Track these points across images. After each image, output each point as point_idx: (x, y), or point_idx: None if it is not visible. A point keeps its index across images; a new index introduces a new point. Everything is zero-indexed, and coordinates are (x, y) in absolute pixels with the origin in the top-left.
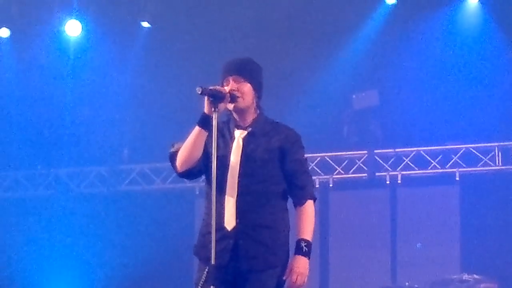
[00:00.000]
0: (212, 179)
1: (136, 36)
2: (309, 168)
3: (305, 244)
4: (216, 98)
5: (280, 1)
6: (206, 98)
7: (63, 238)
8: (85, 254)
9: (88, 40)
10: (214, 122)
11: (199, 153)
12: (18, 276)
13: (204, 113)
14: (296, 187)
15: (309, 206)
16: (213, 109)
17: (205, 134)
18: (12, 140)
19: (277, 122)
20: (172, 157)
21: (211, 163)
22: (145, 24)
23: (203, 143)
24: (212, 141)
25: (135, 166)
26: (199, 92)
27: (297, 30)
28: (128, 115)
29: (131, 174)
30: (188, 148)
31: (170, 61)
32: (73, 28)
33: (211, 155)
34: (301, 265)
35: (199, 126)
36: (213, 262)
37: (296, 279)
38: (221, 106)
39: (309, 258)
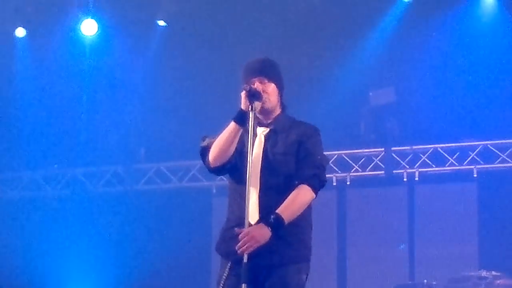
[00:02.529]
0: (247, 175)
1: (152, 35)
2: (326, 164)
3: (274, 217)
4: (255, 97)
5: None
6: (244, 95)
7: (80, 237)
8: (102, 253)
9: (104, 39)
10: (251, 122)
11: (233, 148)
12: (35, 275)
13: (241, 109)
14: (297, 172)
15: (302, 189)
16: (250, 107)
17: (240, 130)
18: (28, 139)
19: (298, 120)
20: (204, 151)
21: (239, 160)
22: (161, 23)
23: (237, 139)
24: (242, 138)
25: (152, 165)
26: (247, 89)
27: (313, 27)
28: (144, 114)
29: (147, 173)
30: (222, 144)
31: (186, 61)
32: (89, 27)
33: (238, 151)
34: (257, 230)
35: (235, 122)
36: (245, 260)
37: (246, 239)
38: (257, 104)
39: (271, 231)
